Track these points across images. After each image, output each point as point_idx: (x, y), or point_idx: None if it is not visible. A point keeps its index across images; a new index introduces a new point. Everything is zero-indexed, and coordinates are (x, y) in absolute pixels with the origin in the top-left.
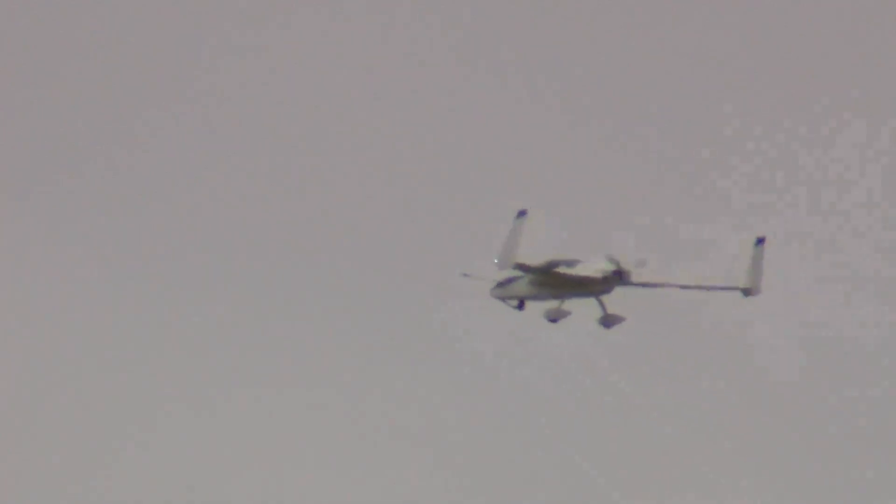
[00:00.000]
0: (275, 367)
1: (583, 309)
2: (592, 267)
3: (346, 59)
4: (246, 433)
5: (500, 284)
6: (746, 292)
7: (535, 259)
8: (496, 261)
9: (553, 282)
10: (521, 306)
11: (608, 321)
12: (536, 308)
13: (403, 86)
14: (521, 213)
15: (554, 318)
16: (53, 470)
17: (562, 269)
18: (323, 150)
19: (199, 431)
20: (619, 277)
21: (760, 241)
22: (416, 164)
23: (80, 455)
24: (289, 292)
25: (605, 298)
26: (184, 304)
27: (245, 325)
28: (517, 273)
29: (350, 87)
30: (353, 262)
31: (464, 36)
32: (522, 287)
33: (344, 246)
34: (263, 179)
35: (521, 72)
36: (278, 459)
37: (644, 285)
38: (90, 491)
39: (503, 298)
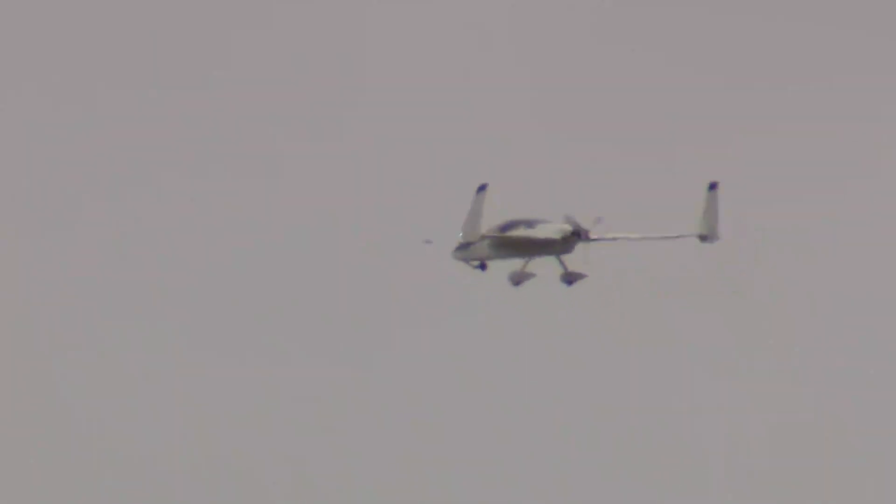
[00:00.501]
0: (239, 342)
1: (545, 267)
2: (551, 228)
3: (316, 39)
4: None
5: (462, 247)
6: (704, 238)
7: (496, 220)
8: (460, 235)
9: (514, 243)
10: (482, 267)
11: (569, 278)
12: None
13: (359, 63)
14: (482, 188)
15: (517, 280)
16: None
17: (521, 231)
18: (285, 126)
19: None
20: (577, 236)
21: (713, 186)
22: (378, 137)
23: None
24: (247, 269)
25: (566, 257)
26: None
27: (209, 301)
28: None
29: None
30: (316, 236)
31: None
32: (484, 249)
33: (307, 219)
34: (224, 157)
35: (476, 49)
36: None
37: (602, 240)
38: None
39: (465, 260)
